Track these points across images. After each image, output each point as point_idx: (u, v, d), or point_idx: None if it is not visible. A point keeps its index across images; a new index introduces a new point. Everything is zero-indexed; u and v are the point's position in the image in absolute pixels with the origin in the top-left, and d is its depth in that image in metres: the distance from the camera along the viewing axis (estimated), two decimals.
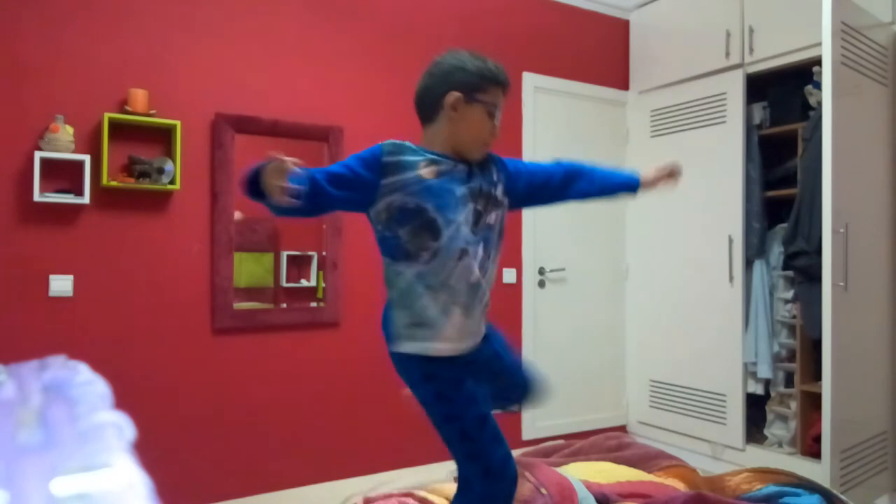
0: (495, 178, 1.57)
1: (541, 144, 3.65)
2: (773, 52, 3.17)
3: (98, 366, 0.35)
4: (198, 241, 2.72)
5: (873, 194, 2.76)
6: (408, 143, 1.51)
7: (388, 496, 2.20)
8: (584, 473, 2.37)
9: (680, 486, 2.35)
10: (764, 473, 2.45)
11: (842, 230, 2.47)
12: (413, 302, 1.50)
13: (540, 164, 1.69)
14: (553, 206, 1.76)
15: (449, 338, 1.49)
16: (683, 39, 3.61)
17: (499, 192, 1.57)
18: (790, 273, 3.18)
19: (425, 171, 1.46)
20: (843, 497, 2.01)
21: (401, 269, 1.50)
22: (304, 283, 3.01)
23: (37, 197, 2.35)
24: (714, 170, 3.42)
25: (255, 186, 1.32)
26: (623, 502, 2.13)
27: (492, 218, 1.54)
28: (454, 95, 1.51)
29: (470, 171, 1.52)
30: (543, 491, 2.10)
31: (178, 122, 2.59)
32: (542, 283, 3.64)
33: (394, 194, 1.45)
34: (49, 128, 2.39)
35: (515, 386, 1.73)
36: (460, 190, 1.48)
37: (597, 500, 2.12)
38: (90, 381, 0.33)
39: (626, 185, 1.68)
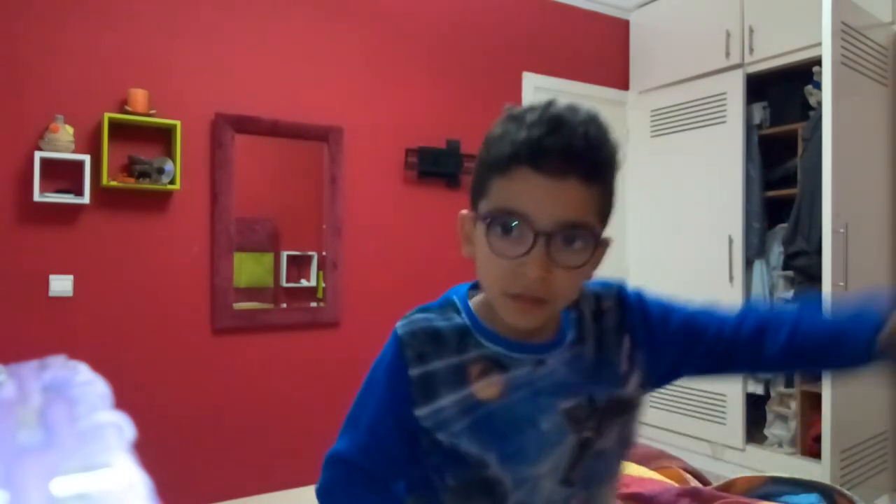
0: (622, 360, 0.84)
1: None
2: (773, 52, 3.17)
3: (98, 366, 0.35)
4: (198, 241, 2.72)
5: (873, 194, 2.76)
6: (447, 310, 0.83)
7: None
8: None
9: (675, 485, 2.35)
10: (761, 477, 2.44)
11: (842, 230, 2.47)
12: None
13: (706, 315, 0.89)
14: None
15: None
16: (683, 39, 3.61)
17: (630, 387, 0.85)
18: (790, 273, 3.18)
19: (483, 387, 0.78)
20: (846, 491, 2.00)
21: None
22: (304, 283, 3.01)
23: (37, 197, 2.35)
24: (714, 170, 3.42)
25: None
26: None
27: (608, 440, 0.82)
28: (461, 213, 0.82)
29: (573, 365, 0.81)
30: None
31: (178, 122, 2.59)
32: None
33: (437, 432, 0.78)
34: (49, 128, 2.39)
35: None
36: (548, 419, 0.78)
37: None
38: (90, 381, 0.33)
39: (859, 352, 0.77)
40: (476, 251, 0.78)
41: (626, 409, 0.85)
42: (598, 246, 0.78)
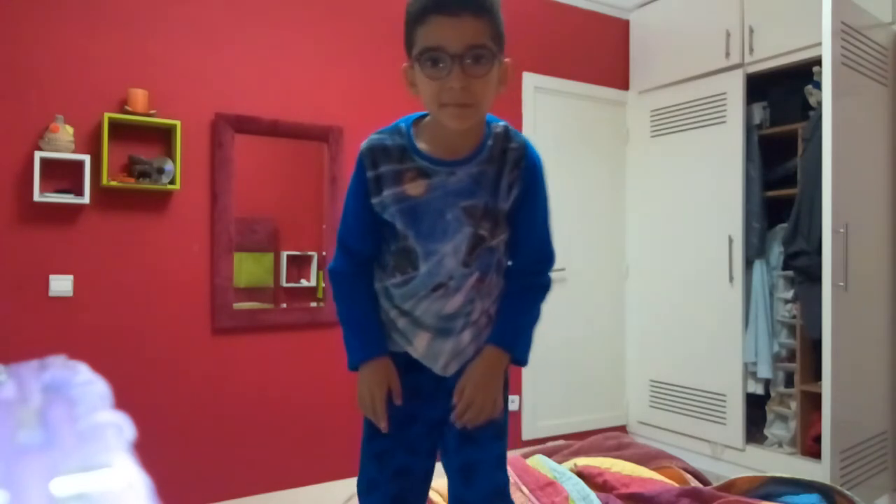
0: (504, 186, 1.17)
1: (541, 145, 3.64)
2: (773, 52, 3.17)
3: (98, 366, 0.35)
4: (198, 241, 2.72)
5: (873, 194, 2.76)
6: (395, 134, 1.18)
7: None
8: (587, 463, 2.36)
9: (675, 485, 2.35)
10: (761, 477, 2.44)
11: (842, 230, 2.47)
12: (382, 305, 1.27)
13: (531, 236, 1.26)
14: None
15: (417, 348, 1.24)
16: (683, 39, 3.61)
17: (507, 205, 1.18)
18: (790, 273, 3.18)
19: (411, 187, 1.15)
20: (846, 492, 2.00)
21: (378, 274, 1.26)
22: (304, 283, 3.01)
23: (37, 197, 2.35)
24: (714, 170, 3.42)
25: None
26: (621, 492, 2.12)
27: (497, 241, 1.20)
28: (403, 67, 1.15)
29: (475, 178, 1.16)
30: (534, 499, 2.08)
31: (178, 122, 2.59)
32: None
33: (383, 213, 1.18)
34: (49, 128, 2.39)
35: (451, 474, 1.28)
36: (451, 211, 1.15)
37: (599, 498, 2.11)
38: (90, 381, 0.33)
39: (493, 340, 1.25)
40: (418, 87, 1.11)
41: (506, 220, 1.20)
42: (498, 60, 1.09)
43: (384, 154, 1.16)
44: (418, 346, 1.22)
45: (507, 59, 1.14)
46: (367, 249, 1.23)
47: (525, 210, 1.21)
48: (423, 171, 1.14)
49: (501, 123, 1.20)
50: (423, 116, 1.19)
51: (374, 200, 1.16)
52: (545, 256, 1.31)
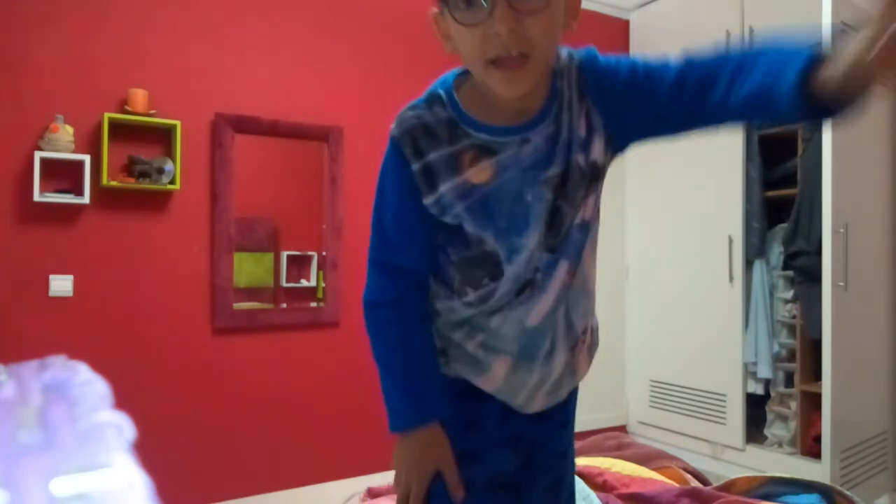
0: (583, 124, 0.85)
1: None
2: None
3: (98, 366, 0.35)
4: (198, 241, 2.72)
5: (873, 194, 2.76)
6: (434, 105, 0.85)
7: (393, 486, 2.18)
8: (587, 463, 2.37)
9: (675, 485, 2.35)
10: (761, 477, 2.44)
11: (842, 230, 2.47)
12: (441, 332, 0.97)
13: (660, 68, 0.81)
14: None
15: (493, 379, 0.94)
16: (683, 39, 3.60)
17: (595, 151, 0.87)
18: (790, 273, 3.18)
19: (476, 172, 0.83)
20: (846, 492, 2.00)
21: (436, 291, 0.95)
22: (304, 283, 3.01)
23: (37, 197, 2.35)
24: (714, 170, 3.42)
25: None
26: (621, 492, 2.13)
27: (585, 210, 0.91)
28: (431, 13, 0.87)
29: (553, 138, 0.84)
30: None
31: (178, 122, 2.59)
32: None
33: (443, 216, 0.87)
34: (49, 128, 2.39)
35: None
36: (531, 191, 0.84)
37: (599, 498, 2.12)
38: (90, 381, 0.33)
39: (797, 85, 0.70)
40: (453, 38, 0.81)
41: (596, 175, 0.89)
42: None
43: (427, 135, 0.84)
44: (496, 374, 0.93)
45: None
46: (423, 268, 0.92)
47: (635, 90, 0.82)
48: (485, 148, 0.83)
49: (563, 53, 0.86)
50: (466, 73, 0.87)
51: (428, 201, 0.85)
52: (719, 54, 0.79)
